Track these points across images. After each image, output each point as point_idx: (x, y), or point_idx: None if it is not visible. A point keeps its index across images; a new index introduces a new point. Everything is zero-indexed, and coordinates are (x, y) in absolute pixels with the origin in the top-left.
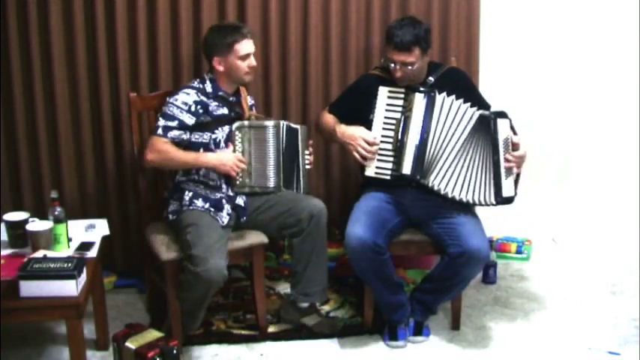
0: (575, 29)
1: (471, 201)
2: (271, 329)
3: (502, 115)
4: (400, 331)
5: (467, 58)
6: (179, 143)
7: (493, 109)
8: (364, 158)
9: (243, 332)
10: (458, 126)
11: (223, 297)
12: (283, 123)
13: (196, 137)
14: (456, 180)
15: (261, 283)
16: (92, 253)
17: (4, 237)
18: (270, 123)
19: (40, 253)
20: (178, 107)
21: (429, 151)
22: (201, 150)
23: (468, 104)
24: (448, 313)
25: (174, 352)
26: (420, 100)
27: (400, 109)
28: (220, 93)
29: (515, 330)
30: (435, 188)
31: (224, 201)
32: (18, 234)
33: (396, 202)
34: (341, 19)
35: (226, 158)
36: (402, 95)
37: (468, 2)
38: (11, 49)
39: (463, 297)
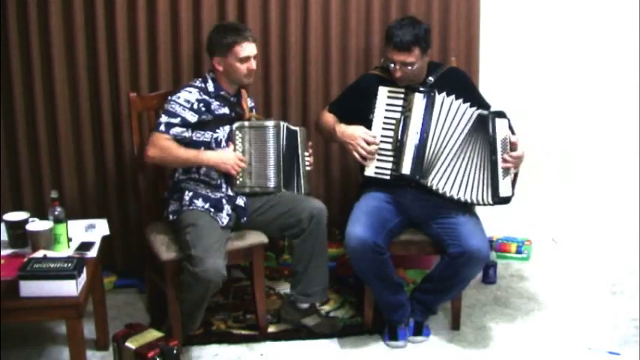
0: (575, 29)
1: (469, 200)
2: (271, 329)
3: (501, 114)
4: (400, 331)
5: (467, 58)
6: (180, 141)
7: (493, 109)
8: (364, 158)
9: (243, 332)
10: (457, 126)
11: (223, 297)
12: (283, 124)
13: (198, 136)
14: (454, 179)
15: (261, 283)
16: (92, 253)
17: (4, 237)
18: (270, 123)
19: (40, 253)
20: (181, 105)
21: (429, 151)
22: (202, 149)
23: (468, 104)
24: (448, 313)
25: (174, 352)
26: (419, 100)
27: (400, 109)
28: (222, 92)
29: (515, 330)
30: (434, 188)
31: (224, 201)
32: (18, 234)
33: (396, 202)
34: (341, 19)
35: (227, 157)
36: (402, 95)
37: (468, 2)
38: (11, 49)
39: (463, 297)
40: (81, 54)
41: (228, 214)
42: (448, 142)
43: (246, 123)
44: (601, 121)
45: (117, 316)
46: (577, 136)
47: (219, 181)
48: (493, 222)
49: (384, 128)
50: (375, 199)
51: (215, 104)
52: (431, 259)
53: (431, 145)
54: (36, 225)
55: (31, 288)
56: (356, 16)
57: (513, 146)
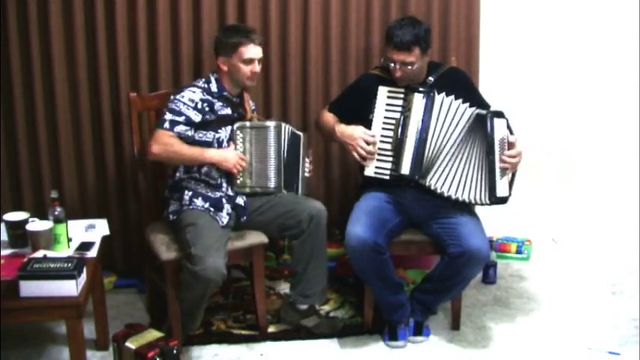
0: (575, 29)
1: (467, 200)
2: (271, 329)
3: (499, 114)
4: (400, 331)
5: (467, 58)
6: (183, 140)
7: (493, 109)
8: (363, 158)
9: (243, 332)
10: (456, 126)
11: (223, 297)
12: (285, 125)
13: (200, 136)
14: (453, 179)
15: (261, 283)
16: (92, 253)
17: (4, 237)
18: (271, 124)
19: (40, 253)
20: (185, 104)
21: (428, 152)
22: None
23: (467, 104)
24: (448, 313)
25: (174, 352)
26: (419, 100)
27: (399, 108)
28: (225, 93)
29: (515, 330)
30: (433, 188)
31: (224, 200)
32: (18, 234)
33: (396, 202)
34: (341, 19)
35: (229, 155)
36: (402, 95)
37: (468, 2)
38: (11, 49)
39: (463, 297)
40: (81, 54)
41: (228, 213)
42: (447, 142)
43: (248, 123)
44: (601, 121)
45: (117, 316)
46: (577, 136)
47: (219, 181)
48: (493, 222)
49: (383, 128)
50: (375, 199)
51: (218, 105)
52: (431, 259)
53: (430, 145)
54: (36, 225)
55: (31, 288)
56: (356, 16)
57: (511, 146)
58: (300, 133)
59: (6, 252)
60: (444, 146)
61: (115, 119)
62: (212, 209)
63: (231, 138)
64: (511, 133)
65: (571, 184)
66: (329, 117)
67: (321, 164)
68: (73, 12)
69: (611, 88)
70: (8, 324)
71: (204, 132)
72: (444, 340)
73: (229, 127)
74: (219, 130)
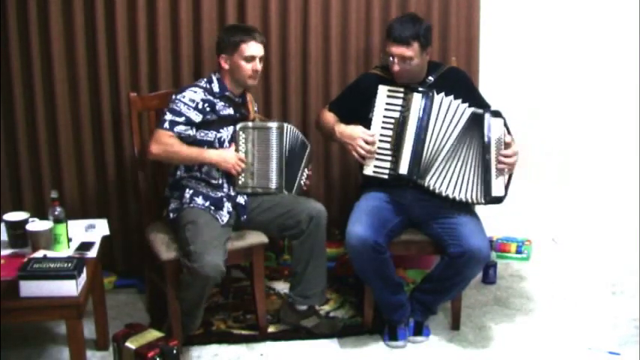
0: (575, 29)
1: (463, 199)
2: (271, 329)
3: (496, 114)
4: (400, 331)
5: (467, 58)
6: (184, 139)
7: (492, 109)
8: (363, 157)
9: (243, 332)
10: (455, 126)
11: (223, 297)
12: (289, 126)
13: (201, 135)
14: (450, 178)
15: (261, 283)
16: (92, 253)
17: (4, 237)
18: (273, 124)
19: (40, 253)
20: (186, 104)
21: (427, 152)
22: (205, 148)
23: (466, 104)
24: (448, 313)
25: (174, 352)
26: (418, 100)
27: (399, 108)
28: (227, 93)
29: (515, 330)
30: (431, 188)
31: (224, 200)
32: (18, 234)
33: (396, 202)
34: (341, 19)
35: (228, 156)
36: (401, 95)
37: (468, 2)
38: (11, 49)
39: (463, 297)
40: (81, 54)
41: (228, 212)
42: (446, 142)
43: (250, 124)
44: (601, 121)
45: (117, 316)
46: (577, 136)
47: (220, 181)
48: (493, 222)
49: (383, 127)
50: (375, 199)
51: (220, 105)
52: (431, 259)
53: (429, 145)
54: (36, 225)
55: (31, 288)
56: (356, 16)
57: (507, 146)
58: (308, 144)
59: (6, 252)
60: (443, 146)
61: (115, 119)
62: (212, 208)
63: (233, 138)
64: (509, 132)
65: (571, 184)
66: (329, 116)
67: (321, 164)
68: (73, 12)
69: (611, 88)
70: (8, 324)
71: (206, 131)
72: (444, 340)
73: (231, 127)
74: (221, 130)
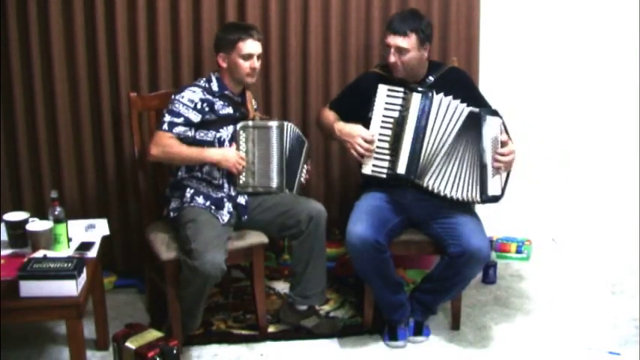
0: (576, 29)
1: (459, 198)
2: (271, 329)
3: (493, 113)
4: (400, 331)
5: (467, 58)
6: (183, 140)
7: (490, 108)
8: (361, 156)
9: (243, 332)
10: (454, 126)
11: (223, 297)
12: (289, 125)
13: (201, 135)
14: (447, 177)
15: (261, 283)
16: (92, 253)
17: (4, 237)
18: (274, 123)
19: (40, 253)
20: (184, 104)
21: (425, 152)
22: (205, 147)
23: (464, 104)
24: (448, 313)
25: (174, 352)
26: (417, 100)
27: (398, 108)
28: (226, 92)
29: (515, 330)
30: (429, 188)
31: (225, 200)
32: (18, 234)
33: (396, 202)
34: (341, 19)
35: (229, 155)
36: (401, 95)
37: (468, 2)
38: (11, 49)
39: (463, 297)
40: (81, 54)
41: (229, 212)
42: (444, 141)
43: (250, 123)
44: (601, 121)
45: (117, 316)
46: (577, 136)
47: (221, 181)
48: (493, 222)
49: (382, 127)
50: (375, 198)
51: (219, 104)
52: (431, 259)
53: (427, 145)
54: (36, 225)
55: (31, 288)
56: (356, 16)
57: (504, 145)
58: (305, 140)
59: (6, 252)
60: (441, 146)
61: (115, 119)
62: (213, 207)
63: (233, 138)
64: (506, 132)
65: (571, 184)
66: (329, 114)
67: (321, 164)
68: (73, 12)
69: (611, 88)
70: (8, 324)
71: (205, 131)
72: (444, 340)
73: (231, 127)
74: (221, 130)
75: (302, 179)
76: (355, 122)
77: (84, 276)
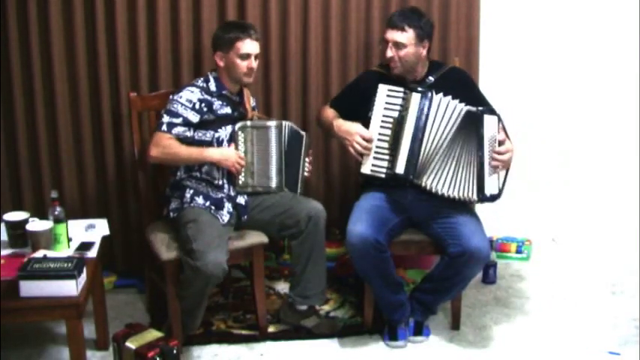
0: (576, 29)
1: (457, 197)
2: (271, 329)
3: (490, 112)
4: (400, 331)
5: (467, 58)
6: (182, 140)
7: (488, 107)
8: (360, 154)
9: (243, 332)
10: (453, 125)
11: (223, 297)
12: (287, 124)
13: (200, 135)
14: (445, 177)
15: (261, 283)
16: (92, 253)
17: (4, 237)
18: (272, 123)
19: (40, 253)
20: (183, 105)
21: (423, 152)
22: (204, 147)
23: (463, 103)
24: (448, 313)
25: (174, 352)
26: (416, 100)
27: (398, 107)
28: (224, 92)
29: (515, 330)
30: (428, 187)
31: (225, 200)
32: (18, 234)
33: (396, 202)
34: (341, 19)
35: (229, 154)
36: (401, 94)
37: (468, 2)
38: (11, 49)
39: (463, 297)
40: (81, 54)
41: (229, 212)
42: (443, 141)
43: (249, 123)
44: (601, 121)
45: (117, 316)
46: (577, 136)
47: (220, 182)
48: (493, 222)
49: (381, 126)
50: (375, 198)
51: (217, 104)
52: (431, 259)
53: (426, 145)
54: (36, 225)
55: (31, 288)
56: (356, 16)
57: (501, 144)
58: (303, 133)
59: (6, 252)
60: (440, 146)
61: (115, 119)
62: (213, 207)
63: (232, 138)
64: (505, 131)
65: (571, 184)
66: (329, 112)
67: (321, 163)
68: (73, 12)
69: (611, 88)
70: (8, 324)
71: (204, 131)
72: (444, 340)
73: (229, 127)
74: (219, 130)
75: (305, 173)
76: (355, 121)
77: (84, 276)
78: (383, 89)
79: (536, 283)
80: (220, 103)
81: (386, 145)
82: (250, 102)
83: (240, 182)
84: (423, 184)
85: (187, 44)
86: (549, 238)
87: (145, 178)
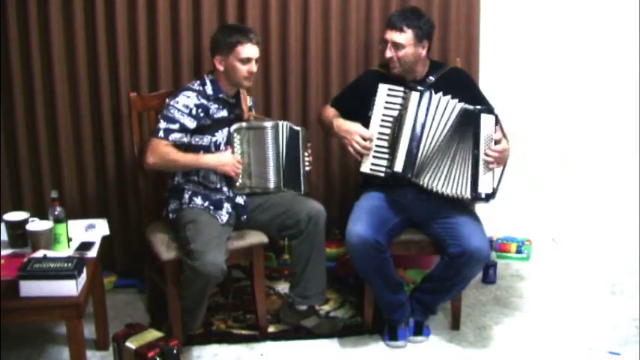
0: (576, 29)
1: (451, 194)
2: (271, 329)
3: (487, 111)
4: (400, 331)
5: (467, 58)
6: (179, 146)
7: (485, 106)
8: (359, 153)
9: (243, 332)
10: (449, 123)
11: (223, 297)
12: (283, 123)
13: (196, 140)
14: (441, 174)
15: (261, 283)
16: (92, 253)
17: (4, 237)
18: (268, 124)
19: (40, 253)
20: (179, 110)
21: (422, 151)
22: (202, 152)
23: (462, 103)
24: (448, 313)
25: (174, 352)
26: (415, 100)
27: (398, 107)
28: (221, 95)
29: (515, 330)
30: (425, 186)
31: (224, 201)
32: (18, 234)
33: (396, 202)
34: (341, 19)
35: (225, 159)
36: (401, 94)
37: (468, 2)
38: (11, 49)
39: (463, 297)
40: (81, 54)
41: (228, 212)
42: (441, 139)
43: (244, 124)
44: (601, 121)
45: (117, 316)
46: (577, 136)
47: (219, 185)
48: (493, 222)
49: (381, 125)
50: (375, 198)
51: (214, 108)
52: (431, 259)
53: (425, 144)
54: (36, 225)
55: (31, 288)
56: (356, 16)
57: (497, 143)
58: (299, 128)
59: (6, 252)
60: (438, 144)
61: (115, 119)
62: (212, 208)
63: (229, 140)
64: (502, 129)
65: (571, 184)
66: (330, 111)
67: (321, 163)
68: (73, 12)
69: (611, 88)
70: (8, 324)
71: (201, 136)
72: (444, 340)
73: (226, 130)
74: (216, 134)
75: (306, 168)
76: (356, 121)
77: (84, 276)
78: (383, 88)
79: (536, 283)
80: (217, 106)
81: (385, 144)
82: (247, 102)
83: (238, 184)
84: (421, 183)
85: (187, 44)
86: (549, 238)
87: (144, 178)
